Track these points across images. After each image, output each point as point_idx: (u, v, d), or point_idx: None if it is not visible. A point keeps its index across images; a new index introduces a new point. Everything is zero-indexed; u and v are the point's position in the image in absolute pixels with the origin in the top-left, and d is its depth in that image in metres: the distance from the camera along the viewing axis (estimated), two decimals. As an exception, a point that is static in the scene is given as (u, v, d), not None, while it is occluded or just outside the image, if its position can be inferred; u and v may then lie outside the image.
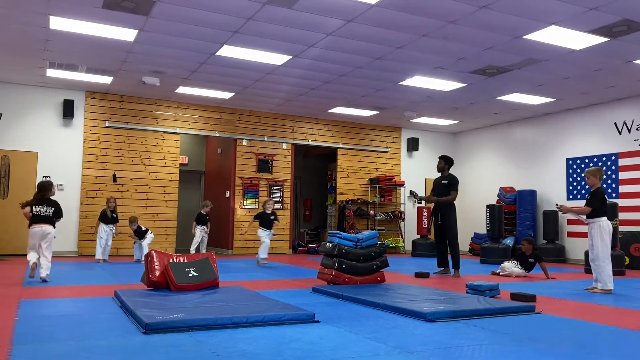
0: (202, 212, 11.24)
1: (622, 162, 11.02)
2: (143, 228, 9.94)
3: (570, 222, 11.86)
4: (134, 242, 10.08)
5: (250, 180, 12.83)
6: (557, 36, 7.49)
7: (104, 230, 9.73)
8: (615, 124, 11.20)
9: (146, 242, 9.80)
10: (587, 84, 10.00)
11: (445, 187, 8.43)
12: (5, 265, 8.63)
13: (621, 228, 10.21)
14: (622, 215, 10.43)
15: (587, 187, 11.47)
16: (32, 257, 6.57)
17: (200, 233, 11.11)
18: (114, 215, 9.91)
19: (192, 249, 10.95)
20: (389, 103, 11.83)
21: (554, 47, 7.96)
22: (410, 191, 9.17)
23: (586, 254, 8.55)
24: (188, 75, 9.97)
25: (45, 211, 6.79)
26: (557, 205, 7.02)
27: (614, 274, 6.66)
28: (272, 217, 9.64)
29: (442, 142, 15.22)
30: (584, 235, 7.71)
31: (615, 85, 10.05)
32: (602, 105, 11.46)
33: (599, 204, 6.58)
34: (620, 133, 11.09)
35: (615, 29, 7.17)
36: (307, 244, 14.08)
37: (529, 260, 8.34)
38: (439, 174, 8.68)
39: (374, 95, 11.13)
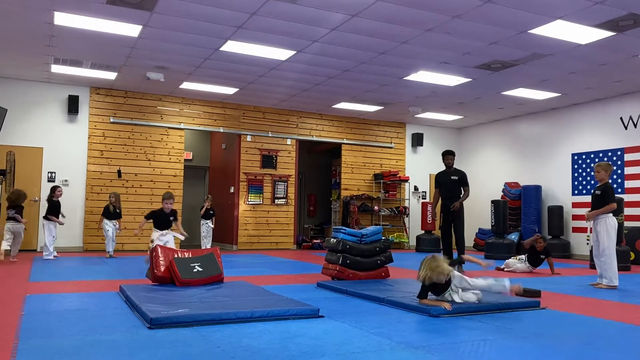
0: (207, 206, 11.30)
1: (627, 157, 10.96)
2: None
3: (575, 217, 11.82)
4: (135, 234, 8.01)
5: (255, 175, 12.84)
6: (562, 30, 7.44)
7: (108, 225, 9.79)
8: (621, 118, 11.14)
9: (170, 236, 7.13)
10: (592, 79, 9.94)
11: (456, 183, 8.34)
12: (11, 260, 8.67)
13: (626, 223, 10.17)
14: (627, 211, 10.37)
15: (592, 182, 11.42)
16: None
17: (205, 227, 11.20)
18: (117, 210, 9.95)
19: (207, 245, 11.13)
20: (393, 98, 11.80)
21: (559, 42, 7.91)
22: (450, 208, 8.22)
23: (591, 249, 8.52)
24: (192, 71, 9.97)
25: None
26: (588, 239, 6.80)
27: (619, 270, 6.63)
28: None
29: (446, 137, 15.17)
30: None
31: (621, 80, 9.99)
32: (608, 100, 11.39)
33: (613, 199, 6.53)
34: (626, 128, 11.03)
35: (621, 23, 7.12)
36: (311, 239, 14.09)
37: (541, 256, 8.31)
38: (444, 169, 8.59)
39: (379, 90, 11.10)
